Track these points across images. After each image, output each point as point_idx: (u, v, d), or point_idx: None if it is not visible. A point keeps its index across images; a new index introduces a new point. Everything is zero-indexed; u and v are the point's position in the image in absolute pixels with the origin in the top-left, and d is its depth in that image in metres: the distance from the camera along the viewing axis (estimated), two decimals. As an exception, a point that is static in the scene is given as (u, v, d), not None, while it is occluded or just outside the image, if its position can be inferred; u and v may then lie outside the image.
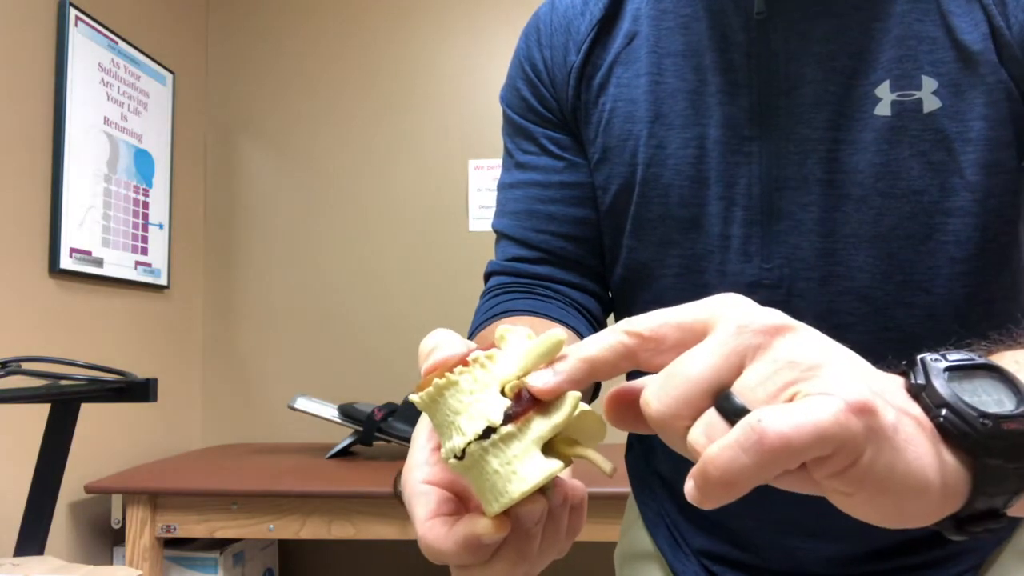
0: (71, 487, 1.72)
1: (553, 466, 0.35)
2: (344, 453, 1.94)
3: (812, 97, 0.63)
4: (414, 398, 0.37)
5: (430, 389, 0.36)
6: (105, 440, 1.93)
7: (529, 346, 0.37)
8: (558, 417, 0.35)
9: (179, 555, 1.81)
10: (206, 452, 2.15)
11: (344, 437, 1.95)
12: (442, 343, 0.38)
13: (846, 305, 0.63)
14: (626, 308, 0.75)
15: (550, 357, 0.36)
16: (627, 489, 0.85)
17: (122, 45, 2.00)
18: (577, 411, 0.36)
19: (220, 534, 1.66)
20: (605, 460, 0.36)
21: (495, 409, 0.35)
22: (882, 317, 0.63)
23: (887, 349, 0.63)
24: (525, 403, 0.35)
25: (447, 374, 0.36)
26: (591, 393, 0.71)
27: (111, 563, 1.89)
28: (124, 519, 1.68)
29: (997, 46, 0.58)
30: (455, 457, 0.36)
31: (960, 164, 0.60)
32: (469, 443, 0.35)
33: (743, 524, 0.71)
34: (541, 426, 0.35)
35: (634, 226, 0.70)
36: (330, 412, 1.92)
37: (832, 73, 0.62)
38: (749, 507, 0.70)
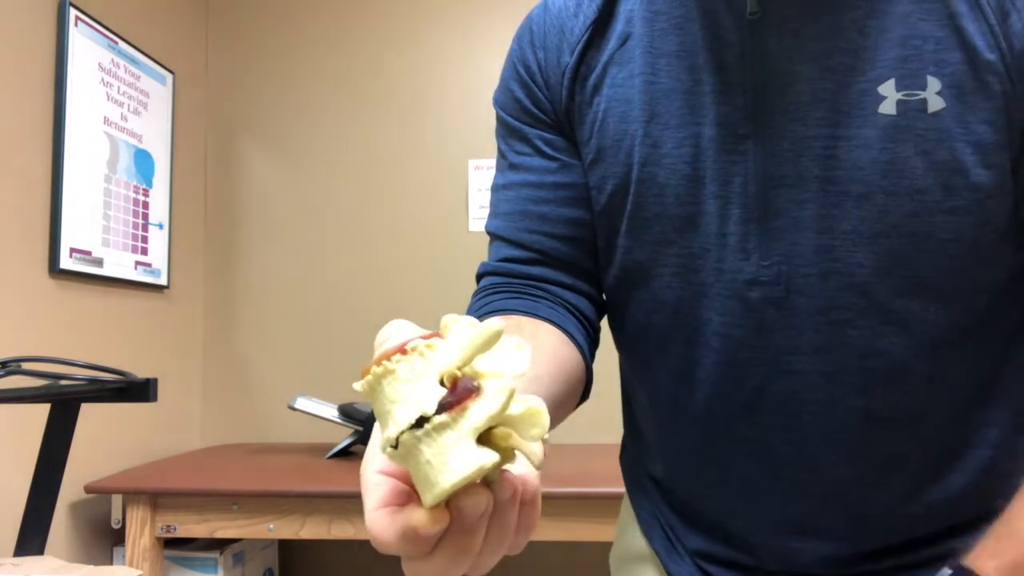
0: (71, 487, 1.72)
1: (486, 458, 0.34)
2: (344, 453, 1.94)
3: (807, 95, 0.63)
4: (356, 386, 0.37)
5: (369, 377, 0.36)
6: (105, 440, 1.93)
7: (471, 335, 0.36)
8: (494, 407, 0.34)
9: (179, 555, 1.81)
10: (206, 452, 2.15)
11: (344, 437, 1.95)
12: (394, 334, 0.38)
13: (845, 300, 0.64)
14: (621, 308, 0.75)
15: (488, 347, 0.36)
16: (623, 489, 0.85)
17: (122, 45, 2.00)
18: (521, 405, 0.36)
19: (220, 534, 1.67)
20: (536, 453, 0.35)
21: (429, 398, 0.34)
22: (881, 312, 0.63)
23: (885, 343, 0.64)
24: (461, 393, 0.34)
25: (385, 362, 0.36)
26: (580, 395, 0.71)
27: (111, 563, 1.89)
28: (124, 519, 1.68)
29: (1002, 59, 0.59)
30: (391, 447, 0.35)
31: (963, 164, 0.60)
32: (402, 432, 0.34)
33: (739, 524, 0.71)
34: (476, 416, 0.34)
35: (630, 226, 0.70)
36: (330, 412, 1.92)
37: (827, 71, 0.63)
38: (745, 507, 0.71)
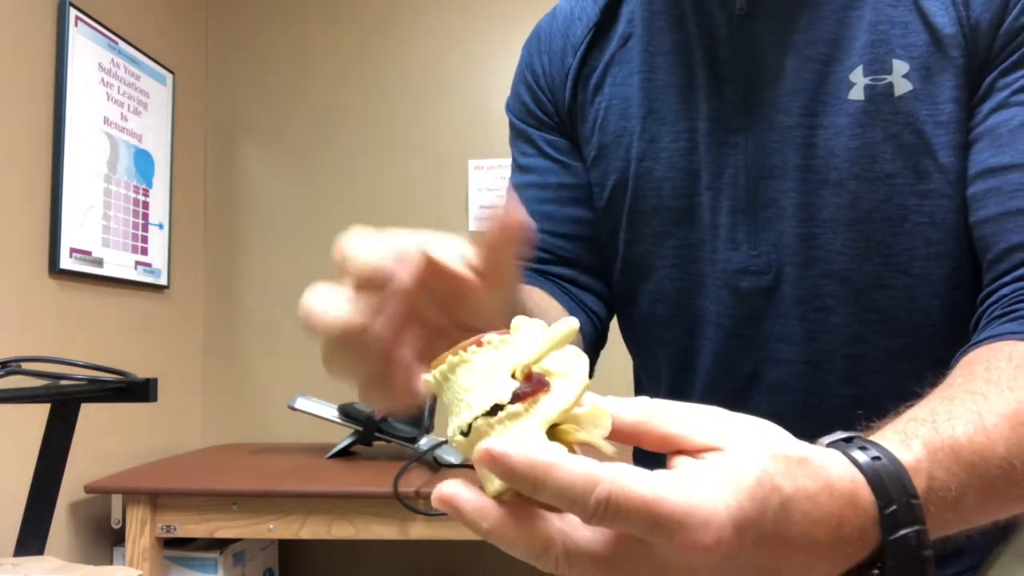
0: (71, 487, 1.72)
1: (557, 449, 0.34)
2: (344, 453, 1.94)
3: (790, 86, 0.65)
4: (427, 376, 0.38)
5: (443, 367, 0.37)
6: (105, 440, 1.93)
7: (546, 333, 0.37)
8: (566, 401, 0.35)
9: (179, 555, 1.81)
10: (206, 452, 2.15)
11: (344, 437, 1.95)
12: (354, 247, 0.41)
13: (827, 288, 0.65)
14: (627, 301, 0.76)
15: (563, 345, 0.37)
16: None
17: (122, 45, 2.00)
18: (586, 405, 0.36)
19: (220, 534, 1.66)
20: (608, 444, 0.36)
21: (504, 388, 0.36)
22: (863, 299, 0.64)
23: (869, 331, 0.64)
24: (534, 385, 0.36)
25: (460, 352, 0.37)
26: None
27: (111, 563, 1.89)
28: (124, 519, 1.68)
29: (962, 31, 0.60)
30: (461, 434, 0.36)
31: (932, 146, 0.61)
32: (476, 418, 0.35)
33: None
34: (548, 408, 0.35)
35: (630, 220, 0.72)
36: (330, 412, 1.92)
37: (808, 61, 0.64)
38: None
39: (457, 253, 0.42)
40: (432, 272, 0.42)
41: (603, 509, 0.31)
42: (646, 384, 0.80)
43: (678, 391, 0.74)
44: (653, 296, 0.73)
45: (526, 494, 0.33)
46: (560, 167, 0.75)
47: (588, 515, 0.32)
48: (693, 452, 0.35)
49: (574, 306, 0.74)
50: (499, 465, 0.32)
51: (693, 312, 0.71)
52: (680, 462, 0.35)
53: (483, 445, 0.33)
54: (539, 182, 0.76)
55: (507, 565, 2.17)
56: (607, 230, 0.74)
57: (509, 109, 0.81)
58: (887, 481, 0.36)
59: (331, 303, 0.39)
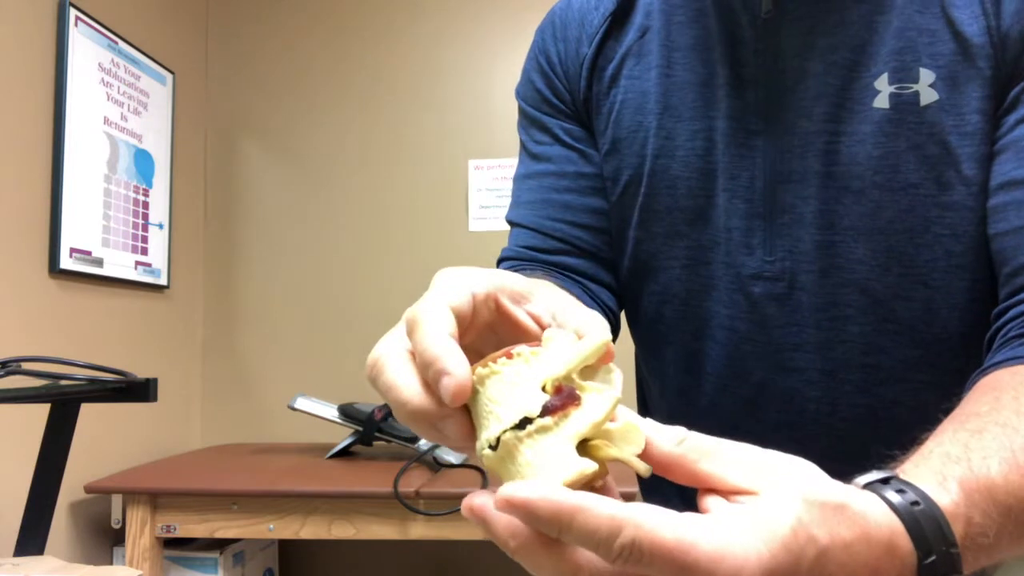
0: (71, 487, 1.72)
1: (586, 465, 0.34)
2: (344, 453, 1.94)
3: (813, 91, 0.63)
4: None
5: (472, 378, 0.36)
6: (105, 440, 1.93)
7: (578, 346, 0.37)
8: (597, 416, 0.35)
9: (179, 555, 1.81)
10: (206, 452, 2.15)
11: (344, 437, 1.95)
12: (424, 317, 0.37)
13: (845, 297, 0.64)
14: (634, 299, 0.75)
15: (594, 359, 0.36)
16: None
17: (122, 45, 2.00)
18: (619, 421, 0.36)
19: (220, 534, 1.66)
20: (641, 462, 0.36)
21: (534, 401, 0.35)
22: (882, 309, 0.63)
23: (887, 341, 0.64)
24: (565, 399, 0.35)
25: (490, 364, 0.36)
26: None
27: (111, 563, 1.89)
28: (124, 519, 1.68)
29: (991, 41, 0.59)
30: (489, 447, 0.35)
31: (956, 158, 0.60)
32: (505, 431, 0.35)
33: None
34: (579, 423, 0.35)
35: (641, 217, 0.70)
36: (330, 412, 1.92)
37: (832, 67, 0.63)
38: None
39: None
40: (501, 318, 0.41)
41: (628, 554, 0.31)
42: (649, 382, 0.80)
43: (686, 394, 0.73)
44: (661, 296, 0.72)
45: (551, 536, 0.32)
46: (578, 155, 0.74)
47: (612, 559, 0.31)
48: (726, 493, 0.35)
49: (592, 303, 0.72)
50: (521, 514, 0.32)
51: (702, 315, 0.70)
52: (711, 504, 0.35)
53: (503, 492, 0.32)
54: (556, 171, 0.74)
55: (507, 565, 2.17)
56: (617, 226, 0.73)
57: (520, 96, 0.79)
58: (926, 529, 0.35)
59: (405, 379, 0.37)
